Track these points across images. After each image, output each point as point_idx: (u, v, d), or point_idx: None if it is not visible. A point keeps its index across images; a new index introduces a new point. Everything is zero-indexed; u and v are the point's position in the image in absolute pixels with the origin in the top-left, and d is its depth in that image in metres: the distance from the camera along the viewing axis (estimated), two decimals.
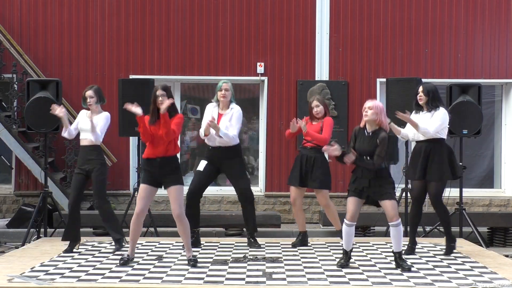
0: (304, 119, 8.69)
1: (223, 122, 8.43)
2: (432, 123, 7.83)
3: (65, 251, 8.06)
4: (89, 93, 8.15)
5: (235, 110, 8.57)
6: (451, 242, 8.03)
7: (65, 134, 8.28)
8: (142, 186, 7.36)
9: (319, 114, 8.53)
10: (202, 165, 8.54)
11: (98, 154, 8.19)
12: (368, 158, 7.06)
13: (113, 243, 8.29)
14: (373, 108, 7.10)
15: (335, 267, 7.17)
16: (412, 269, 7.07)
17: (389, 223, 7.08)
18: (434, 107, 7.91)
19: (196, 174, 8.61)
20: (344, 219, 7.21)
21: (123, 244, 8.19)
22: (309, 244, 8.67)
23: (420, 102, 7.96)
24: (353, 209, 7.14)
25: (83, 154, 8.20)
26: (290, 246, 8.56)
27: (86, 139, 8.15)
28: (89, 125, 8.08)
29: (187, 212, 8.50)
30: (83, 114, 8.25)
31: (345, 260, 7.25)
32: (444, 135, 7.95)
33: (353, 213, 7.14)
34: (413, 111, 8.07)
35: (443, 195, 8.02)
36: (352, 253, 7.36)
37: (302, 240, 8.66)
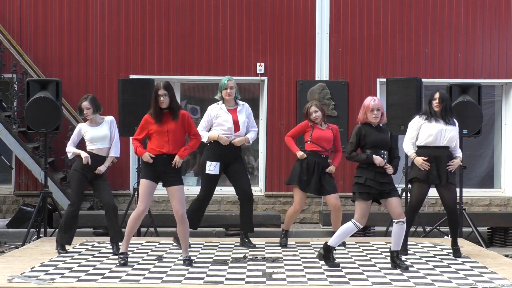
0: (304, 124, 8.52)
1: (241, 119, 8.38)
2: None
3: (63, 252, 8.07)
4: (86, 104, 8.04)
5: (247, 107, 8.55)
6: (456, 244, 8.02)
7: (69, 154, 8.25)
8: (144, 182, 7.24)
9: (318, 119, 8.47)
10: (215, 167, 8.37)
11: None
12: (385, 151, 7.13)
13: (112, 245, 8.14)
14: (380, 108, 7.17)
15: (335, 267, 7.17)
16: (412, 269, 7.08)
17: (397, 220, 7.10)
18: (451, 116, 7.92)
19: (211, 178, 8.41)
20: (355, 221, 7.15)
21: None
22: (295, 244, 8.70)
23: (437, 109, 7.88)
24: (367, 211, 7.16)
25: (95, 162, 8.07)
26: (286, 245, 8.54)
27: (102, 148, 8.11)
28: (102, 133, 8.08)
29: (195, 216, 8.49)
30: (86, 127, 8.14)
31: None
32: None
33: (366, 215, 7.17)
34: (421, 117, 7.92)
35: None
36: (351, 253, 7.36)
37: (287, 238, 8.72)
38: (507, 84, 12.75)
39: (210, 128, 8.45)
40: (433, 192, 8.16)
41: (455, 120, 8.00)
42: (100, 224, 10.85)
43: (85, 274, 6.76)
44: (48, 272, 6.84)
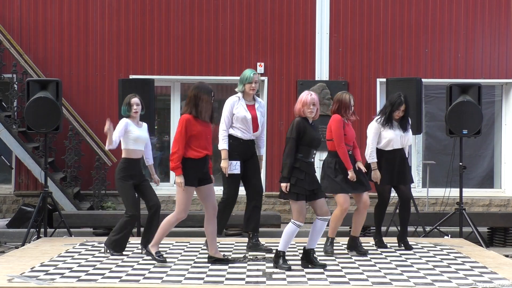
0: (341, 120, 7.82)
1: (259, 118, 8.01)
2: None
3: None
4: (136, 100, 7.75)
5: (263, 104, 8.24)
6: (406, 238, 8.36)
7: (109, 147, 7.69)
8: (191, 189, 7.13)
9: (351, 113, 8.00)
10: (236, 166, 7.96)
11: None
12: (315, 152, 7.09)
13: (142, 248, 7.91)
14: (315, 104, 7.10)
15: (335, 267, 7.16)
16: (412, 269, 7.08)
17: (323, 218, 7.03)
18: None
19: (236, 178, 8.03)
20: (294, 220, 6.98)
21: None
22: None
23: (398, 117, 8.19)
24: (302, 209, 7.02)
25: (138, 166, 7.81)
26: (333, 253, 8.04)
27: (140, 150, 7.80)
28: (146, 135, 7.79)
29: (223, 217, 8.16)
30: (133, 125, 7.72)
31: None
32: None
33: (303, 213, 7.04)
34: (378, 120, 8.13)
35: None
36: (351, 253, 7.36)
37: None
38: (507, 84, 12.75)
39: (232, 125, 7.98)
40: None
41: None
42: (100, 224, 10.85)
43: (85, 274, 6.75)
44: (48, 272, 6.84)
